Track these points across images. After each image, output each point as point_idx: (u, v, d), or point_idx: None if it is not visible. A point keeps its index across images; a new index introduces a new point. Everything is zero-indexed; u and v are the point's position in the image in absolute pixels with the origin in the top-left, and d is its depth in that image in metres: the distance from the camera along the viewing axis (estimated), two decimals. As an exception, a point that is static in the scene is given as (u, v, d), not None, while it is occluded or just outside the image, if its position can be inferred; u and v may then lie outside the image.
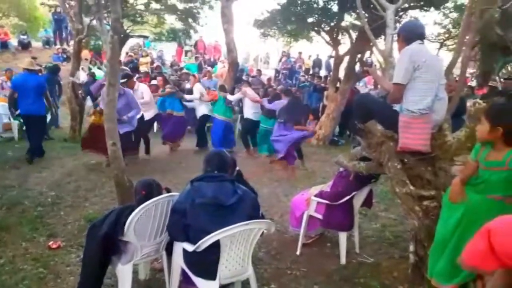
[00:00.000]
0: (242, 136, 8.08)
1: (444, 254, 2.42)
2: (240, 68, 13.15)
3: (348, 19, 10.29)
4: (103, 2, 5.76)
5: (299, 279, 3.29)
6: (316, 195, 3.72)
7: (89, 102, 9.74)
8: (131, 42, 16.85)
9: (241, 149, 8.02)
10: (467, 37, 3.52)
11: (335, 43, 9.86)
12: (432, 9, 9.29)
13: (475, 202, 2.31)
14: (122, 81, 6.46)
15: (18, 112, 7.25)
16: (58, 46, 17.65)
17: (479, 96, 8.22)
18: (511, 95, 6.87)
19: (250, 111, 7.86)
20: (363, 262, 3.62)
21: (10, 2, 21.06)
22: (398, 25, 5.87)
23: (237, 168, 3.31)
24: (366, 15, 5.55)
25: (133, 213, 2.61)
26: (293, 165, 6.70)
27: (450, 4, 10.23)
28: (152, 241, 2.80)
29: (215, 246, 2.40)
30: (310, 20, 9.95)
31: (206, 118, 8.32)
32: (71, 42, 12.58)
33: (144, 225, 2.69)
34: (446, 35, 11.55)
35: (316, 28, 10.24)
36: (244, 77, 13.54)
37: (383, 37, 6.88)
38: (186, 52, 19.01)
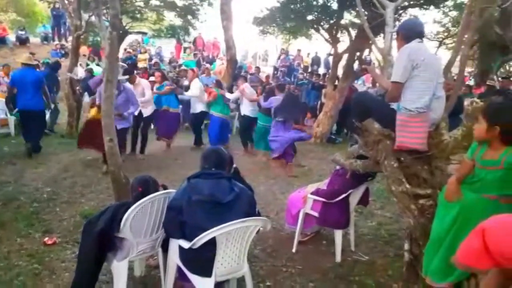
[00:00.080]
0: (241, 134, 8.05)
1: (439, 252, 2.42)
2: (239, 65, 13.14)
3: (348, 17, 10.28)
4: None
5: (295, 277, 3.30)
6: (312, 193, 3.72)
7: (86, 98, 9.69)
8: (129, 39, 16.80)
9: (238, 146, 7.98)
10: (466, 36, 3.51)
11: (334, 41, 9.85)
12: (431, 7, 9.29)
13: (470, 201, 2.31)
14: (124, 77, 6.47)
15: (16, 110, 7.20)
16: (56, 42, 17.56)
17: (477, 95, 8.23)
18: (509, 94, 6.88)
19: (247, 108, 7.85)
20: (358, 260, 3.63)
21: (8, -3, 20.98)
22: (397, 23, 5.87)
23: (234, 165, 3.30)
24: (366, 13, 5.55)
25: (130, 210, 2.60)
26: (291, 162, 6.69)
27: (449, 3, 10.24)
28: (148, 238, 2.80)
29: (211, 243, 2.40)
30: (309, 17, 9.93)
31: (203, 115, 8.28)
32: (70, 38, 12.54)
33: (140, 222, 2.69)
34: (445, 34, 11.56)
35: (315, 26, 10.22)
36: (242, 74, 13.54)
37: (382, 35, 6.88)
38: (185, 49, 18.96)
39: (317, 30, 10.34)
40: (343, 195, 3.56)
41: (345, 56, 9.70)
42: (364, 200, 3.82)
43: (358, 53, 9.49)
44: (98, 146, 5.44)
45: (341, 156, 3.60)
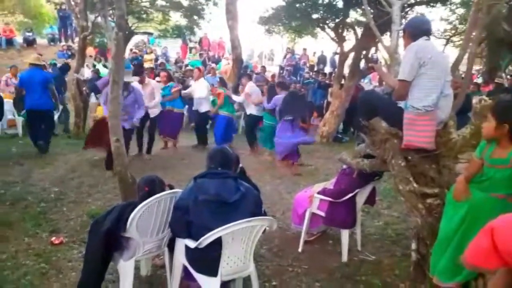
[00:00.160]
0: (247, 133, 8.02)
1: (446, 252, 2.40)
2: (245, 64, 13.14)
3: (354, 15, 10.23)
4: (107, -1, 5.76)
5: (301, 276, 3.28)
6: (319, 193, 3.70)
7: (93, 99, 9.76)
8: (135, 39, 16.86)
9: (243, 145, 7.95)
10: (473, 33, 3.47)
11: (340, 40, 9.81)
12: (438, 5, 9.21)
13: (479, 200, 2.28)
14: (135, 78, 6.49)
15: (24, 111, 7.29)
16: (63, 43, 17.69)
17: (485, 93, 8.17)
18: (518, 92, 6.80)
19: (253, 107, 7.83)
20: (365, 259, 3.61)
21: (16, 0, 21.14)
22: (404, 21, 5.83)
23: (240, 165, 3.29)
24: (372, 11, 5.52)
25: (136, 210, 2.60)
26: (296, 162, 6.67)
27: (457, 0, 10.13)
28: (154, 238, 2.80)
29: (217, 243, 2.40)
30: (315, 16, 9.90)
31: (208, 114, 8.28)
32: (76, 39, 12.62)
33: (146, 222, 2.69)
34: (453, 31, 11.45)
35: (321, 25, 10.18)
36: (247, 73, 13.55)
37: (388, 33, 6.84)
38: (191, 49, 19.00)
39: (323, 29, 10.30)
40: (350, 195, 3.54)
41: (351, 55, 9.65)
42: (371, 200, 3.80)
43: (364, 52, 9.45)
44: (106, 145, 5.47)
45: (348, 155, 3.58)
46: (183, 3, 13.31)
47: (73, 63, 11.44)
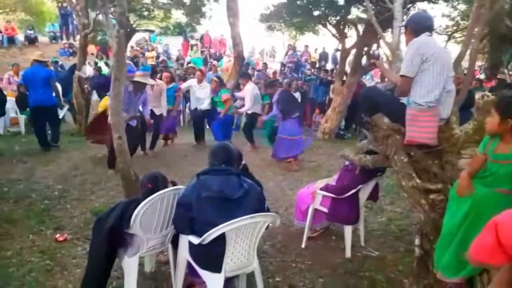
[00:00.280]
0: (246, 130, 8.01)
1: (450, 247, 2.40)
2: (246, 61, 13.10)
3: (355, 12, 10.19)
4: (109, -4, 5.76)
5: (304, 272, 3.29)
6: (321, 189, 3.71)
7: (95, 96, 9.77)
8: (137, 37, 16.85)
9: (244, 142, 7.94)
10: (476, 29, 3.46)
11: (341, 36, 9.78)
12: (440, 1, 9.17)
13: (482, 195, 2.29)
14: (153, 82, 6.54)
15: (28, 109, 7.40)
16: (64, 41, 17.72)
17: (487, 88, 8.14)
18: (520, 88, 6.78)
19: (253, 106, 7.81)
20: (368, 255, 3.61)
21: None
22: (405, 17, 5.81)
23: (243, 161, 3.30)
24: (373, 7, 5.50)
25: (139, 206, 2.61)
26: (297, 159, 6.69)
27: (458, -4, 10.09)
28: (158, 234, 2.81)
29: (221, 239, 2.40)
30: (316, 13, 9.86)
31: (207, 112, 8.24)
32: (78, 37, 12.61)
33: (150, 218, 2.70)
34: (455, 28, 11.41)
35: (322, 21, 10.15)
36: (249, 71, 13.52)
37: (390, 29, 6.82)
38: (192, 46, 18.99)
39: (325, 26, 10.26)
40: (353, 191, 3.54)
41: (353, 51, 9.63)
42: (373, 196, 3.80)
43: (366, 48, 9.43)
44: (106, 139, 5.50)
45: (350, 152, 3.58)
46: (184, 1, 13.30)
47: (74, 60, 11.46)
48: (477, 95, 2.71)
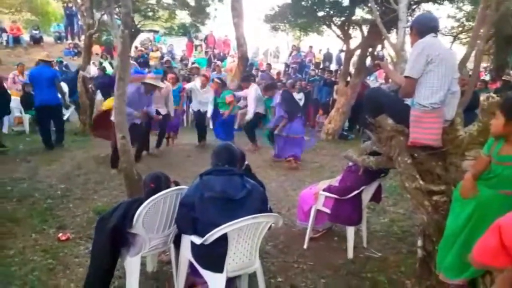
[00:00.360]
0: (248, 130, 8.00)
1: (453, 248, 2.39)
2: (250, 62, 13.13)
3: (359, 13, 10.18)
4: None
5: (306, 273, 3.28)
6: (324, 190, 3.70)
7: (99, 96, 9.80)
8: (141, 37, 16.91)
9: (247, 142, 7.93)
10: (481, 30, 3.45)
11: (346, 37, 9.76)
12: (445, 2, 9.14)
13: (486, 197, 2.27)
14: (162, 84, 6.59)
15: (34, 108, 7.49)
16: (69, 41, 17.80)
17: (492, 90, 8.10)
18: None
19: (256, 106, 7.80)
20: (371, 256, 3.60)
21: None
22: (410, 18, 5.80)
23: (246, 162, 3.29)
24: (378, 8, 5.49)
25: (142, 206, 2.61)
26: (299, 160, 6.69)
27: (464, -3, 10.05)
28: (160, 234, 2.81)
29: (223, 239, 2.40)
30: (320, 14, 9.86)
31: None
32: (82, 37, 12.67)
33: (152, 218, 2.70)
34: (460, 29, 11.37)
35: (327, 22, 10.14)
36: (253, 71, 13.52)
37: (394, 30, 6.80)
38: (196, 46, 19.02)
39: (329, 26, 10.26)
40: (356, 192, 3.53)
41: (357, 52, 9.61)
42: (376, 197, 3.79)
43: (370, 49, 9.40)
44: (110, 135, 5.53)
45: (353, 153, 3.57)
46: (189, 2, 13.34)
47: (79, 60, 11.51)
48: (482, 97, 2.69)
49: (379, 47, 10.40)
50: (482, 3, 3.35)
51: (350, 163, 3.74)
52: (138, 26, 13.21)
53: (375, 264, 3.46)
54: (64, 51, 16.39)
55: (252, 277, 2.77)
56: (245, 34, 10.96)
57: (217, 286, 2.44)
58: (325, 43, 17.39)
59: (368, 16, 9.87)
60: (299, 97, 10.95)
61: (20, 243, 3.57)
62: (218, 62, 14.50)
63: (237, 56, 12.67)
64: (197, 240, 2.45)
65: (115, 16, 5.57)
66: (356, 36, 10.04)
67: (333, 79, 11.19)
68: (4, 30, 16.77)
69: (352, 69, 10.34)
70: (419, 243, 2.92)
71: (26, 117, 8.51)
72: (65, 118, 9.21)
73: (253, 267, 2.62)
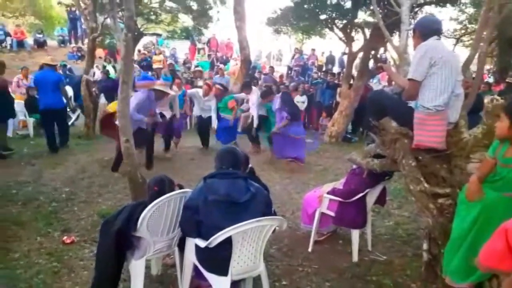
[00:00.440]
0: (247, 133, 8.00)
1: (459, 252, 2.38)
2: (253, 65, 13.14)
3: (362, 15, 10.19)
4: (117, 0, 5.81)
5: (311, 276, 3.28)
6: (328, 192, 3.69)
7: (102, 100, 9.84)
8: (144, 40, 16.96)
9: (247, 144, 7.93)
10: (484, 33, 3.44)
11: (348, 40, 9.77)
12: (447, 4, 9.14)
13: (492, 200, 2.26)
14: (171, 91, 6.66)
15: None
16: (73, 44, 17.89)
17: (496, 92, 8.09)
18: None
19: (254, 106, 7.80)
20: (376, 259, 3.59)
21: (27, 1, 21.38)
22: (413, 21, 5.79)
23: (250, 165, 3.30)
24: (381, 11, 5.49)
25: (146, 209, 2.62)
26: (303, 162, 6.69)
27: (466, 0, 10.04)
28: (165, 237, 2.82)
29: (227, 242, 2.40)
30: (323, 17, 9.87)
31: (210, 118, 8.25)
32: (86, 41, 12.73)
33: (156, 221, 2.71)
34: (463, 31, 11.36)
35: (329, 25, 10.16)
36: (256, 74, 13.54)
37: (397, 33, 6.81)
38: (199, 50, 19.07)
39: (331, 29, 10.27)
40: (360, 195, 3.52)
41: (360, 55, 9.62)
42: (381, 200, 3.78)
43: (373, 52, 9.41)
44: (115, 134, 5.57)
45: (357, 155, 3.56)
46: (192, 7, 13.38)
47: (82, 64, 11.56)
48: (486, 99, 2.69)
49: (381, 49, 10.42)
50: (485, 5, 3.36)
51: (354, 166, 3.74)
52: (141, 29, 13.25)
53: (380, 267, 3.44)
54: (68, 55, 16.47)
55: (257, 280, 2.77)
56: (248, 37, 10.98)
57: (222, 289, 2.43)
58: (328, 45, 17.39)
59: (371, 19, 9.87)
60: (302, 99, 10.97)
61: (25, 246, 3.58)
62: (221, 65, 14.52)
63: (239, 59, 12.69)
64: (202, 243, 2.45)
65: (118, 20, 5.60)
66: (359, 39, 10.05)
67: (336, 81, 11.20)
68: (8, 34, 16.87)
69: (355, 72, 10.34)
70: (425, 246, 2.92)
71: (30, 121, 8.54)
72: (71, 122, 9.28)
73: (257, 270, 2.62)
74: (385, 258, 3.60)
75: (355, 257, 3.54)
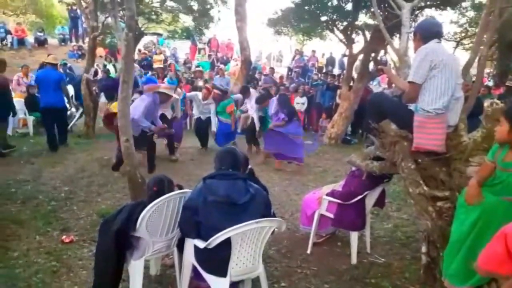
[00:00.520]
0: (246, 134, 7.99)
1: (458, 255, 2.39)
2: (253, 66, 13.15)
3: (362, 18, 10.20)
4: (118, 0, 5.82)
5: (309, 278, 3.28)
6: (327, 194, 3.70)
7: (102, 99, 9.84)
8: (144, 40, 16.97)
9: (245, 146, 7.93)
10: (485, 36, 3.45)
11: (349, 42, 9.79)
12: (448, 7, 9.15)
13: (491, 204, 2.27)
14: (175, 94, 6.73)
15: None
16: (73, 43, 17.89)
17: (496, 96, 8.10)
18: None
19: (253, 110, 7.82)
20: (374, 262, 3.59)
21: (28, 0, 21.38)
22: (413, 24, 5.80)
23: (249, 166, 3.30)
24: (381, 13, 5.50)
25: (145, 210, 2.62)
26: (302, 162, 6.71)
27: (467, 3, 10.06)
28: (164, 237, 2.82)
29: (226, 244, 2.40)
30: (323, 18, 9.89)
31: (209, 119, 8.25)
32: (87, 39, 12.73)
33: (156, 222, 2.71)
34: (463, 34, 11.37)
35: (330, 27, 10.17)
36: (256, 75, 13.55)
37: (397, 35, 6.81)
38: (200, 50, 19.08)
39: (332, 31, 10.29)
40: (359, 197, 3.52)
41: (360, 57, 9.63)
42: (380, 202, 3.78)
43: (373, 54, 9.42)
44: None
45: (357, 158, 3.57)
46: (193, 7, 13.38)
47: (83, 63, 11.56)
48: (486, 103, 2.71)
49: (382, 52, 10.43)
50: (485, 9, 3.37)
51: (354, 168, 3.74)
52: (142, 29, 13.25)
53: (378, 270, 3.44)
54: (68, 53, 16.47)
55: (255, 281, 2.77)
56: (248, 38, 10.99)
57: (221, 290, 2.44)
58: (328, 47, 17.43)
59: (371, 21, 9.89)
60: (302, 101, 10.99)
61: (24, 245, 3.58)
62: (221, 66, 14.54)
63: (240, 60, 12.70)
64: (201, 244, 2.45)
65: (119, 19, 5.61)
66: (359, 41, 10.06)
67: (336, 83, 11.21)
68: (9, 32, 16.87)
69: (355, 74, 10.35)
70: (423, 249, 2.92)
71: (30, 119, 8.54)
72: (76, 119, 9.30)
73: (256, 272, 2.62)
74: (384, 261, 3.61)
75: (353, 259, 3.54)
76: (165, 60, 16.02)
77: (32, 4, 21.79)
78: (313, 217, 3.75)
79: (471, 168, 2.71)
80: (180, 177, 5.55)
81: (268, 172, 6.44)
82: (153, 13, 13.54)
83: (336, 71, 16.17)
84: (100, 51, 14.26)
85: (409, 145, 2.89)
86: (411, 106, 2.93)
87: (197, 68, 13.21)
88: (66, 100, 7.56)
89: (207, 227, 2.46)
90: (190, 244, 2.61)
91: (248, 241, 2.49)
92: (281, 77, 14.40)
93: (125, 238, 2.70)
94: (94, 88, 9.17)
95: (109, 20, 8.06)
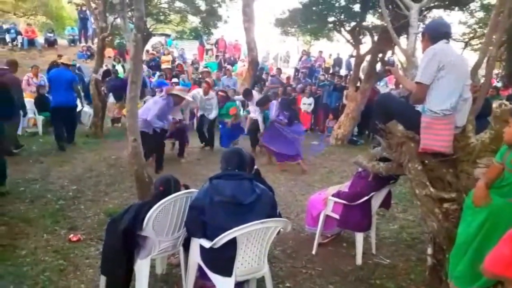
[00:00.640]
0: (250, 135, 8.02)
1: (465, 257, 2.37)
2: (260, 66, 13.17)
3: (370, 18, 10.18)
4: (127, 1, 5.87)
5: (314, 279, 3.28)
6: (333, 195, 3.69)
7: (111, 99, 9.90)
8: (153, 40, 17.07)
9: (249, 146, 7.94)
10: (494, 37, 3.42)
11: (356, 42, 9.76)
12: (456, 8, 9.09)
13: (498, 206, 2.25)
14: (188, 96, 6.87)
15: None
16: (83, 43, 18.05)
17: (504, 97, 8.02)
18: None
19: (257, 113, 7.83)
20: (380, 263, 3.58)
21: (38, 2, 21.61)
22: (421, 24, 5.78)
23: (255, 166, 3.31)
24: (389, 14, 5.48)
25: (152, 209, 2.63)
26: (299, 160, 6.72)
27: (475, 4, 9.98)
28: (170, 237, 2.83)
29: (232, 243, 2.41)
30: (331, 19, 9.88)
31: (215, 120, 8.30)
32: (96, 40, 12.83)
33: (162, 221, 2.72)
34: (471, 35, 11.29)
35: (337, 27, 10.15)
36: (263, 76, 13.56)
37: (404, 36, 6.78)
38: (207, 50, 19.15)
39: (339, 32, 10.27)
40: (365, 198, 3.52)
41: (367, 58, 9.59)
42: (386, 203, 3.77)
43: (380, 55, 9.38)
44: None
45: (363, 159, 3.55)
46: (201, 8, 13.44)
47: (92, 63, 11.64)
48: (495, 104, 2.67)
49: (389, 53, 10.38)
50: (494, 9, 3.33)
51: (360, 169, 3.73)
52: (150, 29, 13.33)
53: (384, 271, 3.43)
54: (78, 54, 16.62)
55: (260, 281, 2.77)
56: (256, 38, 11.01)
57: (226, 290, 2.44)
58: (335, 48, 17.41)
59: (379, 22, 9.86)
60: (309, 102, 10.97)
61: (32, 244, 3.62)
62: (229, 66, 14.57)
63: (247, 61, 12.72)
64: (206, 244, 2.46)
65: (128, 20, 5.65)
66: (366, 42, 10.04)
67: (342, 84, 11.17)
68: (19, 33, 17.07)
69: (362, 75, 10.32)
70: (429, 250, 2.90)
71: (40, 119, 8.63)
72: (88, 120, 9.40)
73: (261, 272, 2.63)
74: (389, 262, 3.59)
75: (359, 260, 3.54)
76: (173, 61, 16.09)
77: (42, 5, 22.03)
78: (318, 218, 3.75)
79: (479, 169, 2.69)
80: (187, 177, 5.57)
81: (274, 173, 6.44)
82: (161, 13, 13.62)
83: (343, 71, 16.14)
84: (109, 51, 14.38)
85: (416, 146, 2.87)
86: (419, 107, 2.91)
87: (205, 69, 13.25)
88: (78, 100, 7.68)
89: (213, 227, 2.47)
90: (196, 243, 2.62)
91: (253, 241, 2.49)
92: (288, 78, 14.39)
93: (132, 237, 2.72)
94: (102, 88, 9.23)
95: (118, 21, 8.11)
